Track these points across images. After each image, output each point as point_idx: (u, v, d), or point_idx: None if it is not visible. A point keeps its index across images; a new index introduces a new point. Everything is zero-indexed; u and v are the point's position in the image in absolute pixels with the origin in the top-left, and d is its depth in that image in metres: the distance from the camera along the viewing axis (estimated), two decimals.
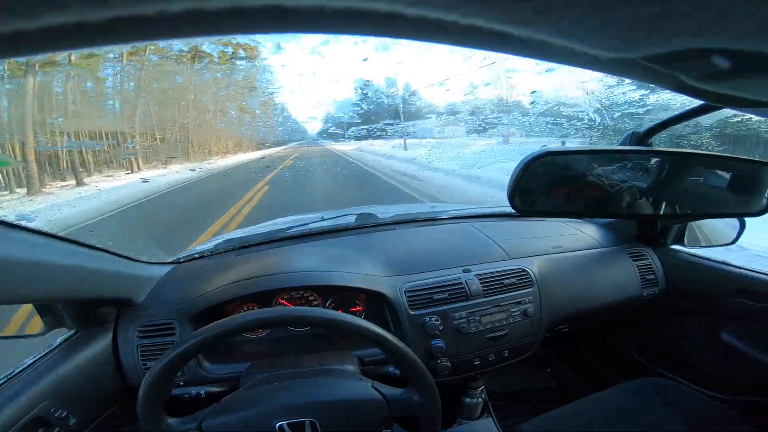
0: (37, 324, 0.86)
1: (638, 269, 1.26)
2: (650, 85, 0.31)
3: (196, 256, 1.16)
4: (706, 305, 1.21)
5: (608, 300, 1.22)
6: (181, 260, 1.14)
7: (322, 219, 1.38)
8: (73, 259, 0.74)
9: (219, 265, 1.09)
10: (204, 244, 1.31)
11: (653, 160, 0.76)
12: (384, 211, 1.49)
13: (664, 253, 1.32)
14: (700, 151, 0.82)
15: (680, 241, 1.33)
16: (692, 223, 1.31)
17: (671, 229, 1.31)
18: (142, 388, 0.64)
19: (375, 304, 1.06)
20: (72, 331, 0.89)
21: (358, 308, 1.09)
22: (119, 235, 5.31)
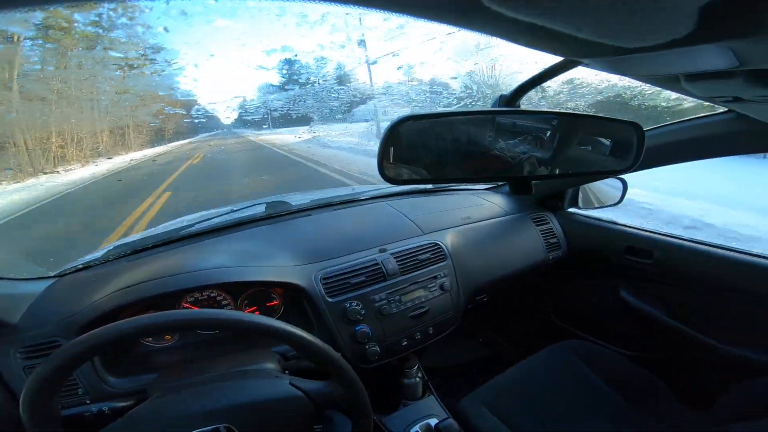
0: None
1: (541, 234, 1.35)
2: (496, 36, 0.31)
3: (81, 267, 1.03)
4: (604, 265, 1.32)
5: (518, 266, 1.28)
6: (63, 273, 1.01)
7: (232, 211, 1.30)
8: None
9: (110, 274, 0.97)
10: (92, 254, 1.15)
11: (528, 123, 0.79)
12: (300, 198, 1.44)
13: (563, 217, 1.42)
14: (567, 111, 0.88)
15: (575, 205, 1.44)
16: (584, 186, 1.42)
17: (566, 193, 1.41)
18: (21, 409, 0.57)
19: (292, 296, 1.02)
20: None
21: (274, 302, 1.04)
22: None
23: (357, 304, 0.98)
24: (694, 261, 1.10)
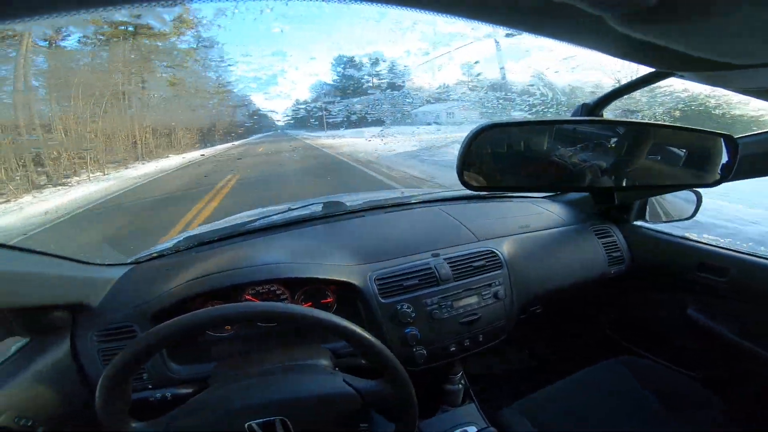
0: None
1: (604, 246, 1.28)
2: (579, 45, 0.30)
3: (155, 255, 1.11)
4: (671, 281, 1.24)
5: (577, 278, 1.23)
6: (140, 260, 1.09)
7: (289, 210, 1.34)
8: (14, 266, 0.71)
9: (180, 263, 1.04)
10: (163, 243, 1.24)
11: (608, 133, 0.75)
12: (353, 199, 1.47)
13: (628, 230, 1.34)
14: (654, 122, 0.83)
15: (642, 217, 1.35)
16: (652, 198, 1.33)
17: (633, 206, 1.33)
18: (98, 391, 0.62)
19: (346, 294, 1.04)
20: (27, 339, 0.85)
21: (328, 300, 1.07)
22: (70, 238, 5.01)
23: (408, 307, 0.98)
24: None
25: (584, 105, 0.72)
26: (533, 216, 1.34)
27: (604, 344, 1.48)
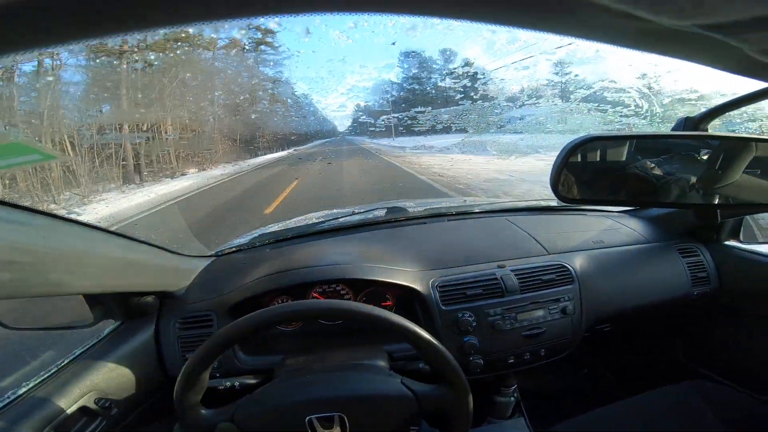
0: (88, 315, 0.89)
1: (688, 266, 1.18)
2: (705, 65, 0.29)
3: (233, 249, 1.20)
4: (763, 306, 1.12)
5: (654, 299, 1.15)
6: (220, 254, 1.18)
7: (353, 213, 1.39)
8: (122, 252, 0.77)
9: (255, 259, 1.12)
10: (241, 237, 1.35)
11: (711, 148, 0.70)
12: (414, 205, 1.48)
13: (717, 250, 1.23)
14: (758, 135, 0.75)
15: (735, 237, 1.23)
16: (747, 217, 1.22)
17: (725, 224, 1.22)
18: (179, 377, 0.66)
19: (405, 298, 1.05)
20: (118, 322, 0.93)
21: (388, 302, 1.09)
22: (163, 229, 5.57)
23: (469, 316, 0.97)
24: None
25: (687, 119, 0.67)
26: (609, 231, 1.27)
27: (674, 369, 1.37)
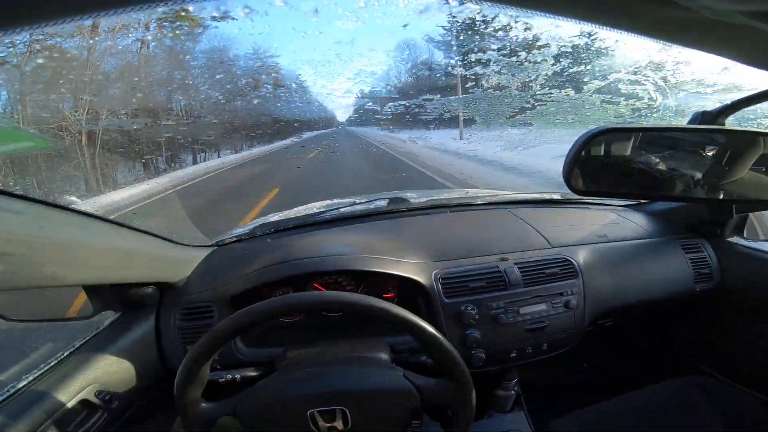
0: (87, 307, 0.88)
1: (691, 262, 1.18)
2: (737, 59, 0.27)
3: (234, 239, 1.19)
4: (766, 302, 1.12)
5: (657, 294, 1.15)
6: (220, 243, 1.17)
7: (354, 204, 1.37)
8: (121, 242, 0.75)
9: (256, 249, 1.11)
10: (242, 227, 1.34)
11: (728, 142, 0.68)
12: (417, 196, 1.47)
13: (721, 246, 1.23)
14: None
15: (739, 233, 1.23)
16: (751, 214, 1.22)
17: (729, 220, 1.21)
18: (179, 371, 0.65)
19: (407, 290, 1.05)
20: (118, 314, 0.92)
21: (390, 294, 1.08)
22: (162, 218, 5.56)
23: (472, 308, 0.96)
24: None
25: (705, 113, 0.65)
26: (612, 225, 1.26)
27: (674, 364, 1.38)
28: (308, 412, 0.66)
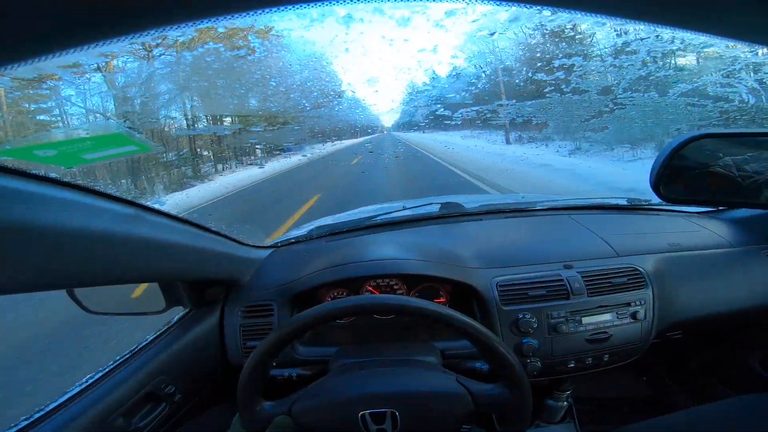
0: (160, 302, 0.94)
1: None
2: None
3: (293, 241, 1.23)
4: None
5: (737, 307, 1.07)
6: (279, 245, 1.21)
7: (404, 208, 1.37)
8: (195, 241, 0.79)
9: (312, 251, 1.14)
10: (298, 229, 1.39)
11: None
12: (469, 201, 1.44)
13: None
14: None
15: None
16: None
17: None
18: (246, 368, 0.68)
19: (460, 295, 1.04)
20: (187, 309, 0.97)
21: (441, 299, 1.07)
22: (229, 218, 5.93)
23: (531, 317, 0.93)
24: None
25: None
26: (686, 233, 1.18)
27: (748, 382, 1.26)
28: (359, 414, 0.67)
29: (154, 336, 0.89)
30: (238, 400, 0.68)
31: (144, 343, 0.86)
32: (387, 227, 1.26)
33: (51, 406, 0.69)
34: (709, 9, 0.22)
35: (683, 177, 0.70)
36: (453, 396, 0.69)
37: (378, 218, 1.30)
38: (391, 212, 1.35)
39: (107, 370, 0.78)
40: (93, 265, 0.53)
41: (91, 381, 0.75)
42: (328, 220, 1.47)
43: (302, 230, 1.34)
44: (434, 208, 1.35)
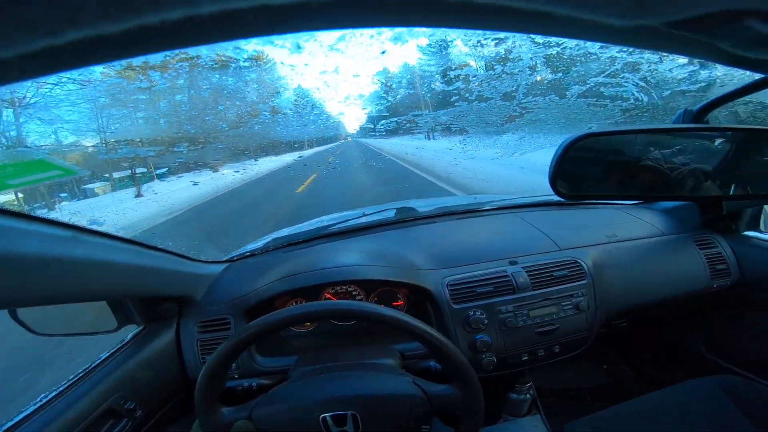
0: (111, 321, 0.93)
1: (706, 258, 1.16)
2: (694, 58, 0.29)
3: (248, 254, 1.22)
4: None
5: (672, 293, 1.13)
6: (234, 258, 1.21)
7: (363, 215, 1.40)
8: (138, 260, 0.79)
9: (269, 262, 1.14)
10: (254, 242, 1.37)
11: (714, 139, 0.70)
12: (424, 205, 1.49)
13: (737, 241, 1.20)
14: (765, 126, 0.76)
15: (755, 227, 1.20)
16: (766, 206, 1.19)
17: (743, 214, 1.19)
18: (200, 377, 0.69)
19: (416, 298, 1.06)
20: (141, 327, 0.96)
21: (399, 302, 1.10)
22: (179, 236, 5.68)
23: (481, 313, 0.97)
24: None
25: (686, 111, 0.68)
26: (622, 224, 1.25)
27: (696, 364, 1.34)
28: (320, 417, 0.68)
29: (108, 354, 0.88)
30: (195, 405, 0.69)
31: (98, 362, 0.85)
32: (343, 235, 1.28)
33: (6, 426, 0.67)
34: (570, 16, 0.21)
35: (577, 175, 0.73)
36: (409, 397, 0.71)
37: (335, 227, 1.32)
38: (348, 220, 1.37)
39: (62, 389, 0.77)
40: (29, 287, 0.53)
41: (45, 400, 0.73)
42: (284, 232, 1.47)
43: (259, 243, 1.33)
44: (390, 214, 1.38)
